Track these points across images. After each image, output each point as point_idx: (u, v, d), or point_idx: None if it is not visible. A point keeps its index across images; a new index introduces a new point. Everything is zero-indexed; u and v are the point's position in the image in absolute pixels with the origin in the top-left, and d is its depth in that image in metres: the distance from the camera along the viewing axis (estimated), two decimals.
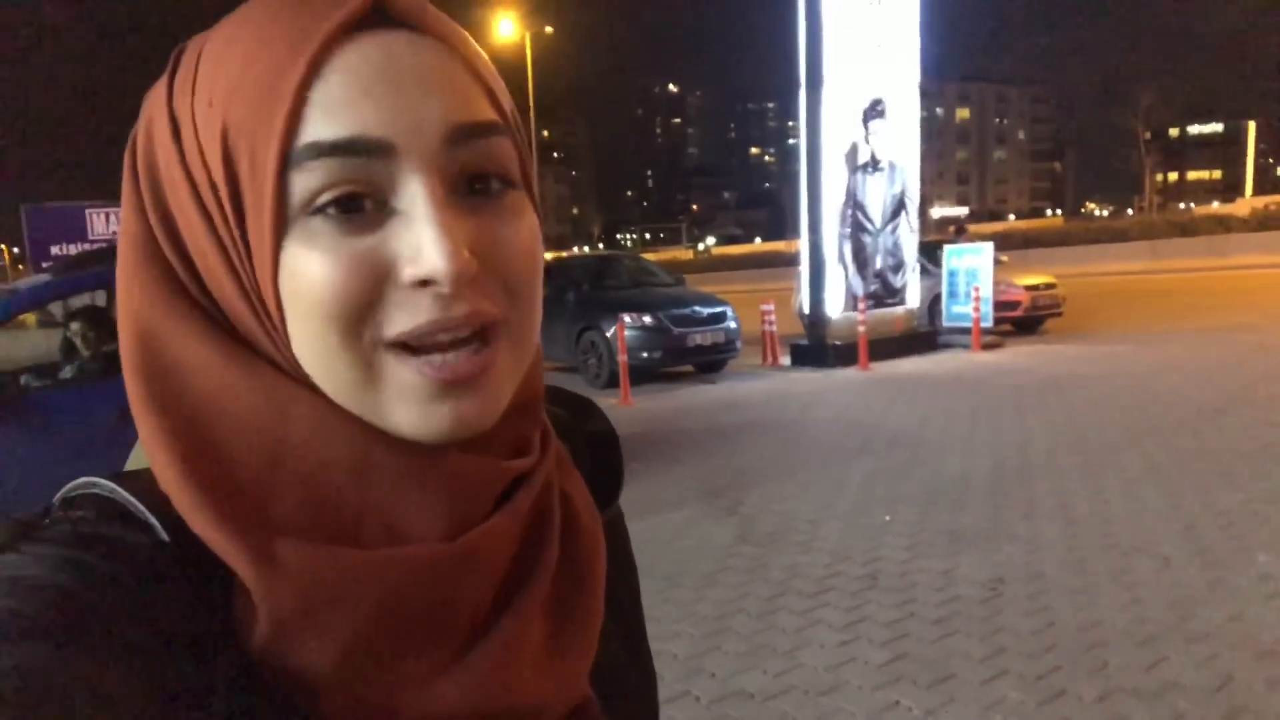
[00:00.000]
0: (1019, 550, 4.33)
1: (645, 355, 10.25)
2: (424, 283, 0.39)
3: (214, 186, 0.40)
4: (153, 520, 0.40)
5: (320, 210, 0.39)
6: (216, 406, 0.41)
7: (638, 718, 0.58)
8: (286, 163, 0.38)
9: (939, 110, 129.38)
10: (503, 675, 0.43)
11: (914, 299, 12.68)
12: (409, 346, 0.40)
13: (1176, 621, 3.44)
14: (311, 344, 0.40)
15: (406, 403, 0.41)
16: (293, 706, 0.39)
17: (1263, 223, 27.11)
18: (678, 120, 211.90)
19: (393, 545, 0.41)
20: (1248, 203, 36.42)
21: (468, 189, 0.42)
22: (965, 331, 12.37)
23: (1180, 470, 5.51)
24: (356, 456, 0.41)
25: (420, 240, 0.39)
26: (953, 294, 12.77)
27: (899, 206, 12.22)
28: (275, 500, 0.40)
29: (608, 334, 10.27)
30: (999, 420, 7.41)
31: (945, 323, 12.84)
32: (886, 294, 12.30)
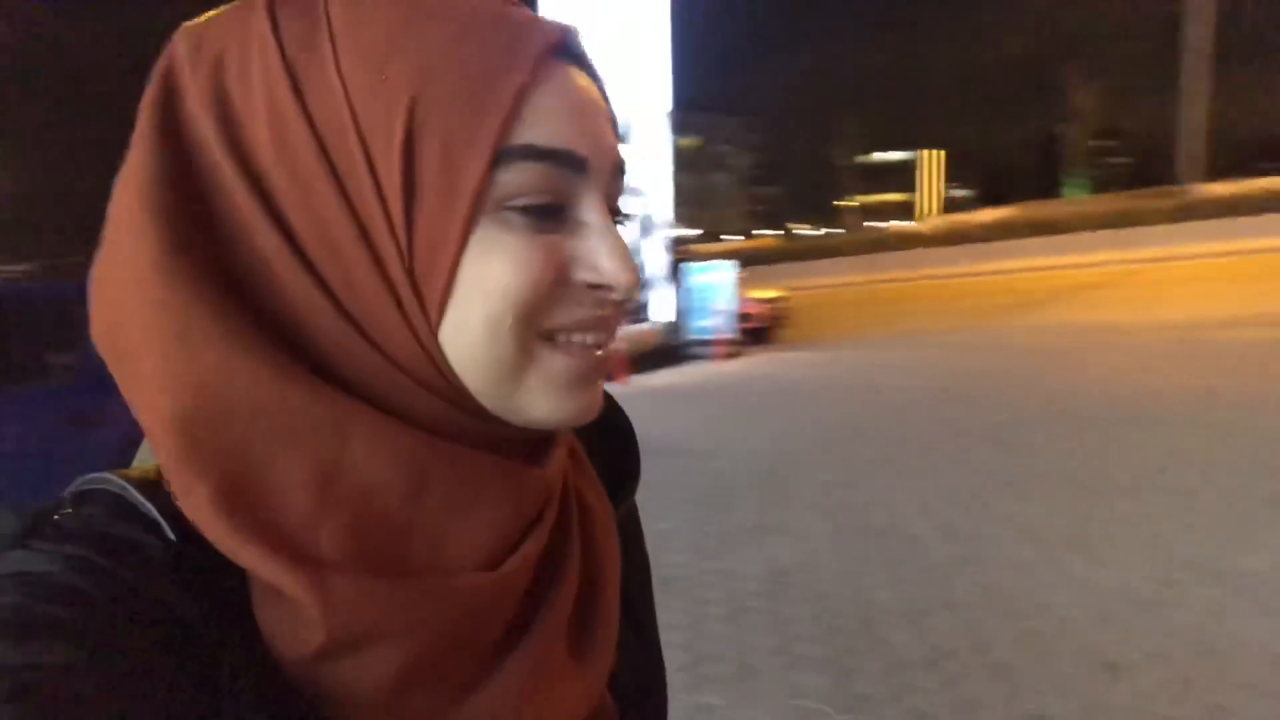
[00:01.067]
0: (789, 543, 4.58)
1: None
2: (595, 286, 0.43)
3: (370, 163, 0.39)
4: (161, 521, 0.39)
5: (517, 207, 0.41)
6: (266, 424, 0.38)
7: (651, 715, 0.59)
8: (499, 157, 0.40)
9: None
10: (534, 685, 0.43)
11: (664, 314, 13.23)
12: (553, 339, 0.43)
13: (937, 593, 3.78)
14: (479, 327, 0.41)
15: (548, 389, 0.43)
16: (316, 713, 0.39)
17: (945, 239, 30.97)
18: None
19: (439, 566, 0.41)
20: (930, 222, 41.50)
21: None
22: (706, 344, 13.06)
23: (913, 458, 6.10)
24: (412, 476, 0.40)
25: (601, 250, 0.43)
26: (694, 309, 13.47)
27: (647, 227, 12.70)
28: (324, 524, 0.39)
29: None
30: (752, 423, 7.87)
31: (688, 336, 13.51)
32: (639, 311, 12.69)
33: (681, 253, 16.23)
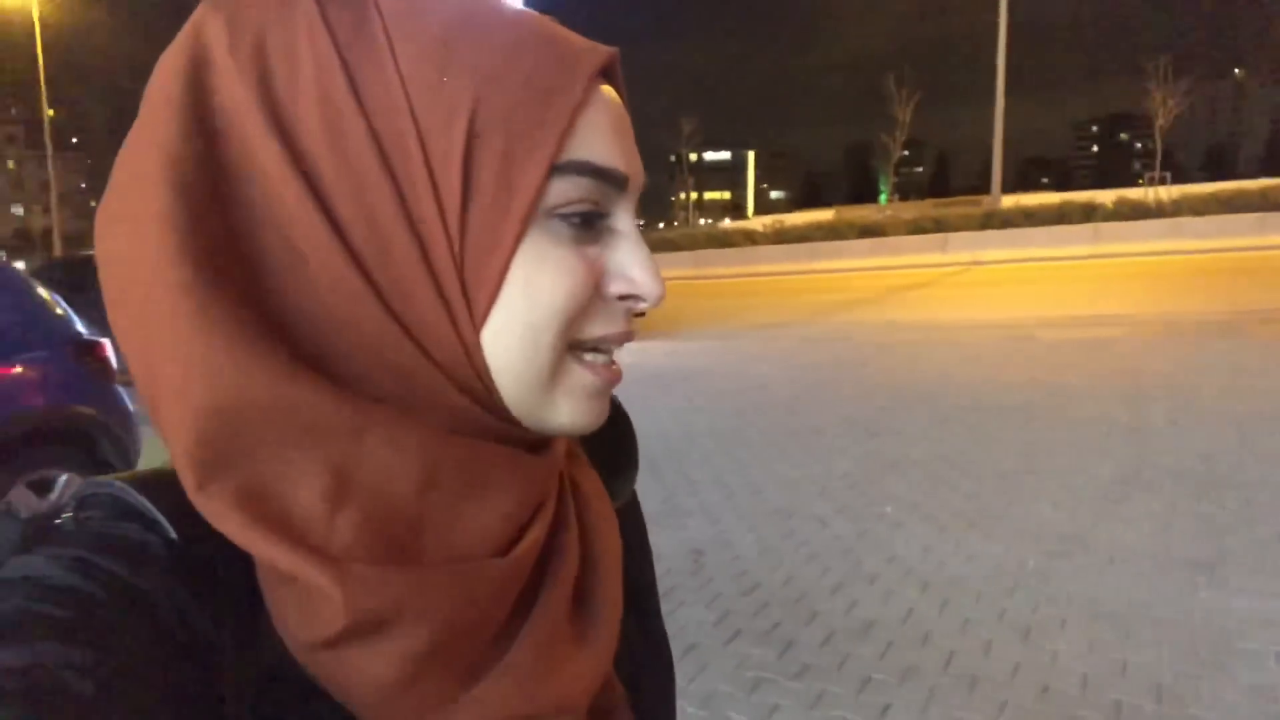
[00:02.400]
0: (702, 524, 4.73)
1: None
2: (626, 297, 0.46)
3: (427, 159, 0.40)
4: (163, 521, 0.40)
5: (566, 217, 0.43)
6: (281, 420, 0.38)
7: (656, 704, 0.60)
8: (555, 169, 0.42)
9: None
10: (540, 666, 0.44)
11: None
12: (580, 352, 0.45)
13: (852, 568, 4.02)
14: (521, 334, 0.42)
15: (574, 398, 0.45)
16: (340, 713, 0.40)
17: (778, 237, 32.28)
18: None
19: (452, 554, 0.42)
20: (760, 220, 43.07)
21: None
22: None
23: (796, 443, 6.40)
24: (425, 469, 0.41)
25: (633, 262, 0.45)
26: None
27: None
28: (339, 514, 0.39)
29: None
30: (636, 414, 7.97)
31: None
32: None
33: None
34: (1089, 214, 27.73)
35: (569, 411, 0.45)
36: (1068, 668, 3.05)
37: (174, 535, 0.39)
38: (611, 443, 0.62)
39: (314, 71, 0.39)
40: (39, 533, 0.39)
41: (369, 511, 0.39)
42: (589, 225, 0.44)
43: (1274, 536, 4.03)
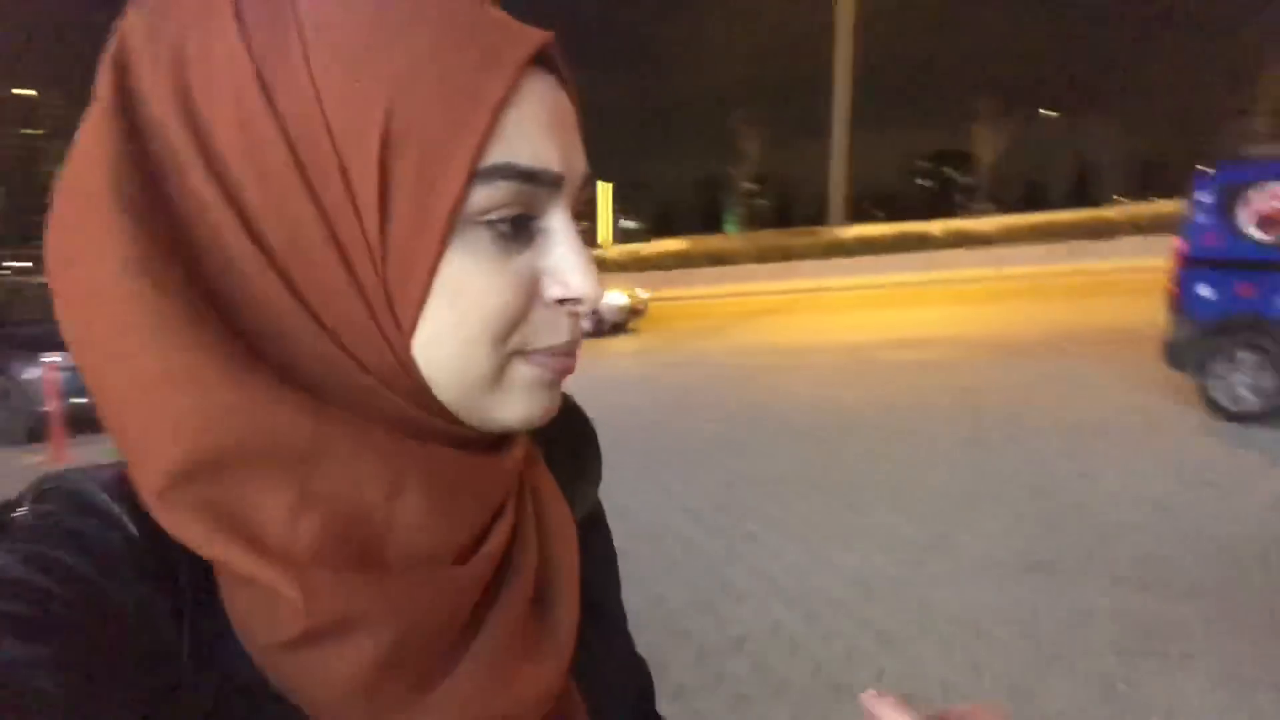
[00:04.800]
0: None
1: (85, 400, 8.56)
2: (564, 300, 0.44)
3: (343, 170, 0.39)
4: (123, 516, 0.39)
5: (492, 224, 0.41)
6: (242, 428, 0.38)
7: (618, 707, 0.59)
8: (477, 175, 0.40)
9: None
10: (498, 671, 0.44)
11: None
12: (525, 353, 0.45)
13: (720, 586, 4.06)
14: (452, 344, 0.42)
15: (518, 394, 0.45)
16: (297, 717, 0.40)
17: (628, 266, 32.86)
18: (33, 130, 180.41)
19: (414, 560, 0.42)
20: (614, 249, 43.64)
21: None
22: None
23: (664, 465, 6.44)
24: (387, 476, 0.41)
25: (568, 265, 0.44)
26: None
27: None
28: (301, 520, 0.39)
29: (24, 377, 8.40)
30: None
31: None
32: None
33: None
34: (923, 243, 29.56)
35: (512, 408, 0.44)
36: (928, 673, 3.17)
37: (134, 531, 0.39)
38: (572, 450, 0.61)
39: (230, 83, 0.38)
40: None
41: (330, 517, 0.39)
42: (518, 231, 0.42)
43: (1102, 537, 4.35)
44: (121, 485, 0.40)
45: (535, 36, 0.42)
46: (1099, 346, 9.96)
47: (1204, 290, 6.42)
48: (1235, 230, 6.25)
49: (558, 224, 0.44)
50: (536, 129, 0.42)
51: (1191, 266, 6.48)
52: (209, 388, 0.37)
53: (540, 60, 0.43)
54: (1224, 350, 6.26)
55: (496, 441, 0.48)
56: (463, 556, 0.43)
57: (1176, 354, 6.67)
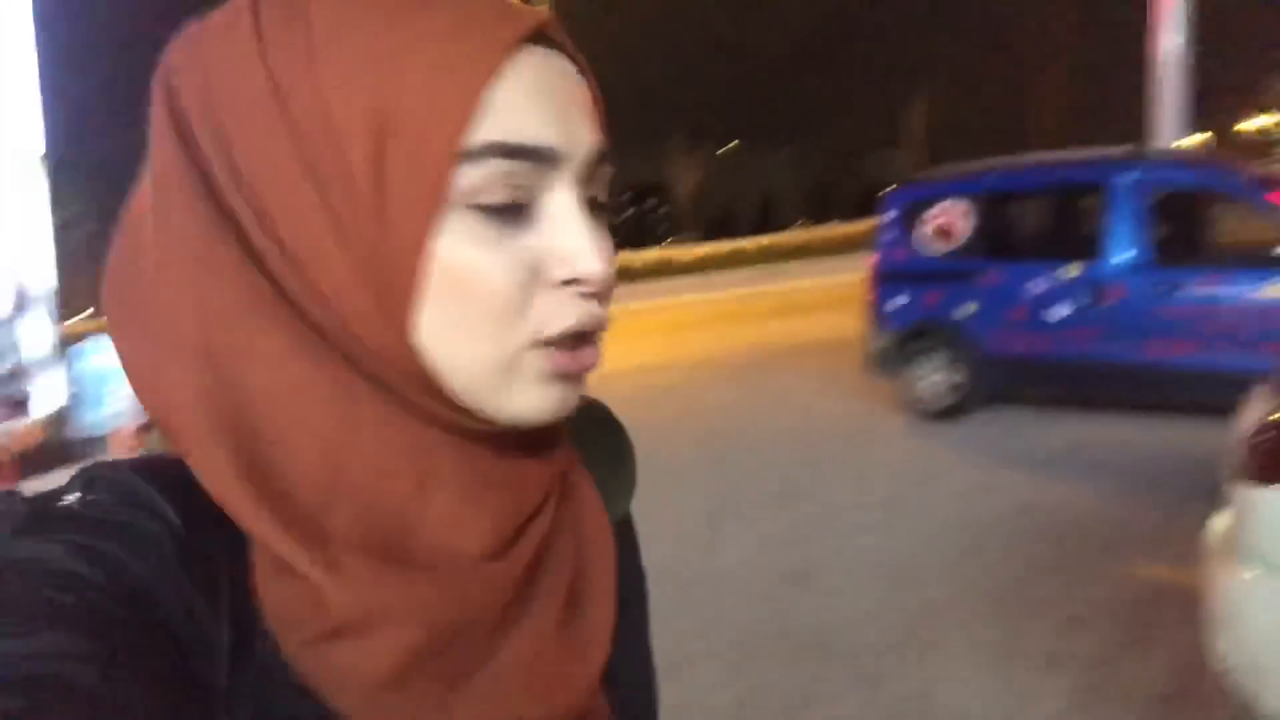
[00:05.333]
0: None
1: None
2: (570, 281, 0.43)
3: (344, 160, 0.40)
4: (168, 508, 0.40)
5: (484, 206, 0.41)
6: (282, 403, 0.40)
7: (643, 716, 0.59)
8: (464, 156, 0.40)
9: None
10: (530, 671, 0.44)
11: (51, 405, 10.98)
12: (538, 342, 0.43)
13: None
14: (457, 331, 0.41)
15: (531, 386, 0.43)
16: (327, 712, 0.40)
17: None
18: None
19: (445, 554, 0.42)
20: None
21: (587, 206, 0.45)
22: (102, 439, 11.22)
23: None
24: (420, 465, 0.42)
25: (574, 244, 0.42)
26: (87, 399, 11.48)
27: (22, 302, 10.48)
28: (334, 509, 0.40)
29: None
30: None
31: (81, 430, 11.45)
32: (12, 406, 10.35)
33: (71, 331, 13.81)
34: (630, 275, 30.84)
35: (525, 398, 0.43)
36: (718, 697, 3.15)
37: (178, 523, 0.39)
38: (609, 455, 0.60)
39: (248, 90, 0.40)
40: (42, 514, 0.38)
41: (364, 504, 0.40)
42: (515, 211, 0.42)
43: (846, 541, 4.59)
44: (167, 478, 0.40)
45: (530, 16, 0.42)
46: (805, 360, 10.74)
47: (897, 301, 7.08)
48: (917, 244, 6.97)
49: (562, 202, 0.43)
50: (528, 105, 0.41)
51: (885, 280, 7.14)
52: (229, 328, 0.39)
53: (542, 39, 0.43)
54: (918, 355, 6.94)
55: (534, 443, 0.47)
56: (496, 555, 0.43)
57: (878, 361, 7.31)
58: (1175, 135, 8.32)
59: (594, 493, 0.54)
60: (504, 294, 0.41)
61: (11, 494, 0.40)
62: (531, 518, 0.46)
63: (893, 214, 7.13)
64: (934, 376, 6.90)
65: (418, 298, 0.40)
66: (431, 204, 0.39)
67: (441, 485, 0.42)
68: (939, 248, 6.87)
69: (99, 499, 0.39)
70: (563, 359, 0.43)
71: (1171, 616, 3.35)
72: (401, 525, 0.41)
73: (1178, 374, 5.78)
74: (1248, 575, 2.06)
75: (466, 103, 0.39)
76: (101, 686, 0.32)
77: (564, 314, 0.43)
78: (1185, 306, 5.78)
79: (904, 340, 7.02)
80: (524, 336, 0.42)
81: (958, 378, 6.78)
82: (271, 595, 0.39)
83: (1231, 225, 6.42)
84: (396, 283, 0.40)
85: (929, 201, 6.95)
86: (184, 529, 0.39)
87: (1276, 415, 2.04)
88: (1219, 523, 2.37)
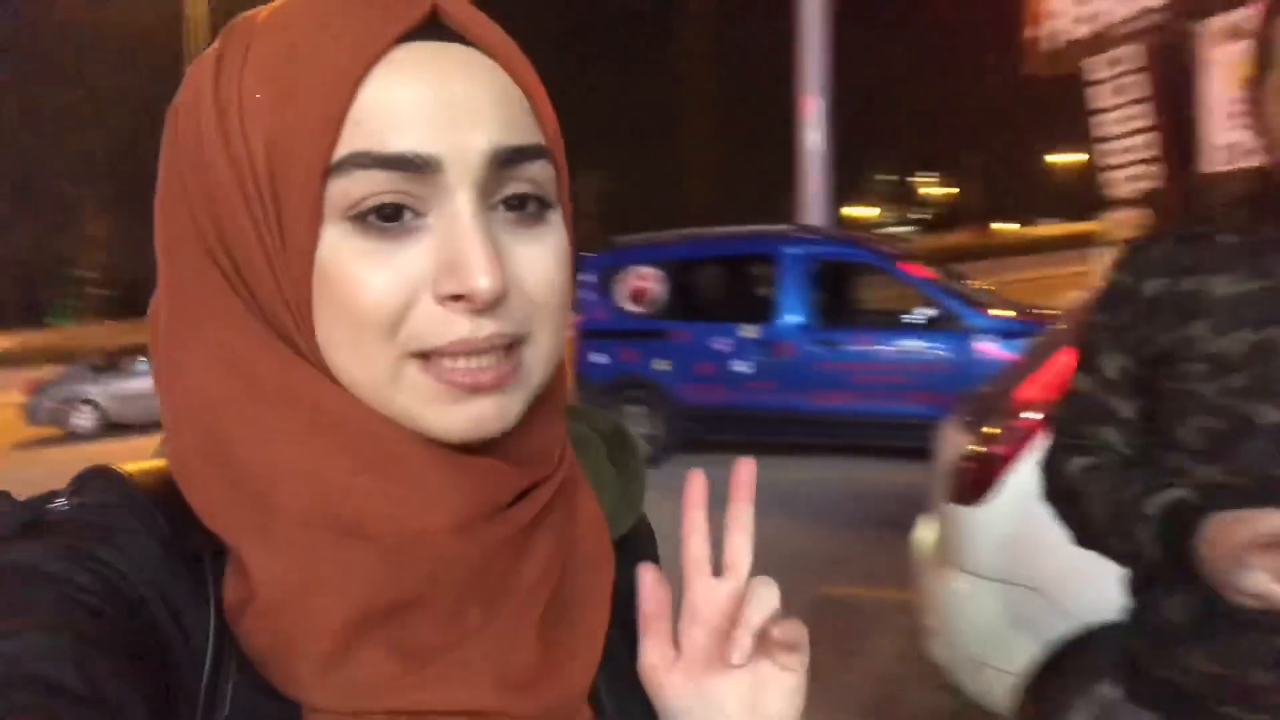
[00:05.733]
0: None
1: None
2: (457, 297, 0.40)
3: (256, 177, 0.40)
4: (155, 510, 0.41)
5: (360, 217, 0.40)
6: (239, 388, 0.41)
7: None
8: (332, 167, 0.39)
9: None
10: (497, 663, 0.43)
11: None
12: (427, 358, 0.42)
13: None
14: (341, 345, 0.41)
15: (428, 405, 0.42)
16: (286, 701, 0.40)
17: None
18: None
19: (396, 529, 0.41)
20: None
21: (505, 208, 0.43)
22: None
23: None
24: (381, 449, 0.41)
25: (458, 257, 0.40)
26: None
27: None
28: (282, 485, 0.40)
29: None
30: None
31: None
32: None
33: None
34: None
35: (427, 417, 0.42)
36: None
37: (166, 527, 0.40)
38: (617, 469, 0.58)
39: (207, 113, 0.42)
40: (33, 517, 0.39)
41: (312, 482, 0.40)
42: (395, 222, 0.40)
43: None
44: (155, 481, 0.42)
45: (416, 8, 0.41)
46: None
47: (597, 357, 7.43)
48: (615, 305, 7.40)
49: (450, 216, 0.41)
50: (406, 111, 0.40)
51: (586, 337, 7.45)
52: (206, 327, 0.43)
53: (435, 30, 0.41)
54: (619, 407, 7.29)
55: (508, 448, 0.45)
56: (458, 532, 0.42)
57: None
58: (820, 216, 9.55)
59: (594, 504, 0.52)
60: (376, 305, 0.40)
61: (4, 497, 0.40)
62: (508, 508, 0.44)
63: (590, 276, 7.50)
64: (634, 428, 7.29)
65: (311, 312, 0.41)
66: (308, 218, 0.40)
67: (399, 469, 0.41)
68: (635, 308, 7.35)
69: (89, 503, 0.40)
70: (453, 374, 0.41)
71: (868, 628, 3.77)
72: (352, 503, 0.40)
73: (840, 419, 6.72)
74: (955, 582, 2.43)
75: (331, 114, 0.39)
76: (83, 688, 0.32)
77: (445, 329, 0.40)
78: (842, 361, 6.74)
79: (604, 393, 7.35)
80: (400, 349, 0.41)
81: (654, 430, 7.23)
82: (230, 584, 0.40)
83: (876, 293, 7.57)
84: (300, 297, 0.41)
85: (623, 266, 7.44)
86: (171, 534, 0.40)
87: (972, 448, 2.46)
88: (923, 537, 2.77)
